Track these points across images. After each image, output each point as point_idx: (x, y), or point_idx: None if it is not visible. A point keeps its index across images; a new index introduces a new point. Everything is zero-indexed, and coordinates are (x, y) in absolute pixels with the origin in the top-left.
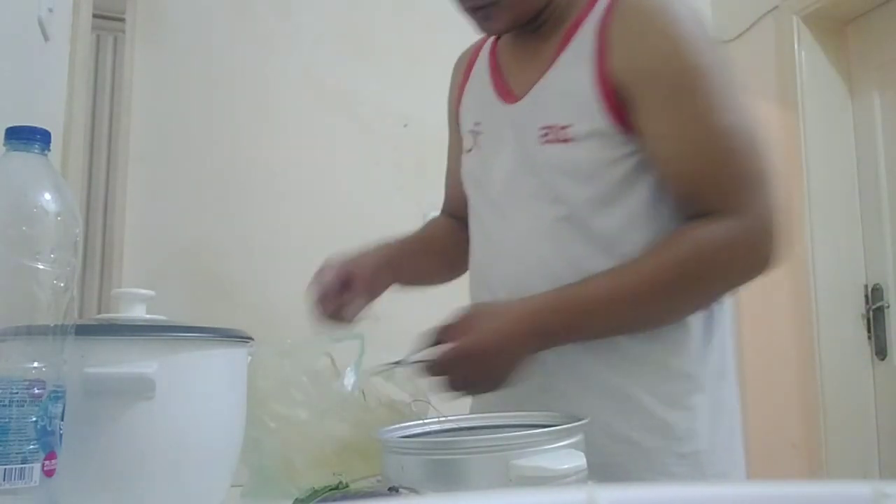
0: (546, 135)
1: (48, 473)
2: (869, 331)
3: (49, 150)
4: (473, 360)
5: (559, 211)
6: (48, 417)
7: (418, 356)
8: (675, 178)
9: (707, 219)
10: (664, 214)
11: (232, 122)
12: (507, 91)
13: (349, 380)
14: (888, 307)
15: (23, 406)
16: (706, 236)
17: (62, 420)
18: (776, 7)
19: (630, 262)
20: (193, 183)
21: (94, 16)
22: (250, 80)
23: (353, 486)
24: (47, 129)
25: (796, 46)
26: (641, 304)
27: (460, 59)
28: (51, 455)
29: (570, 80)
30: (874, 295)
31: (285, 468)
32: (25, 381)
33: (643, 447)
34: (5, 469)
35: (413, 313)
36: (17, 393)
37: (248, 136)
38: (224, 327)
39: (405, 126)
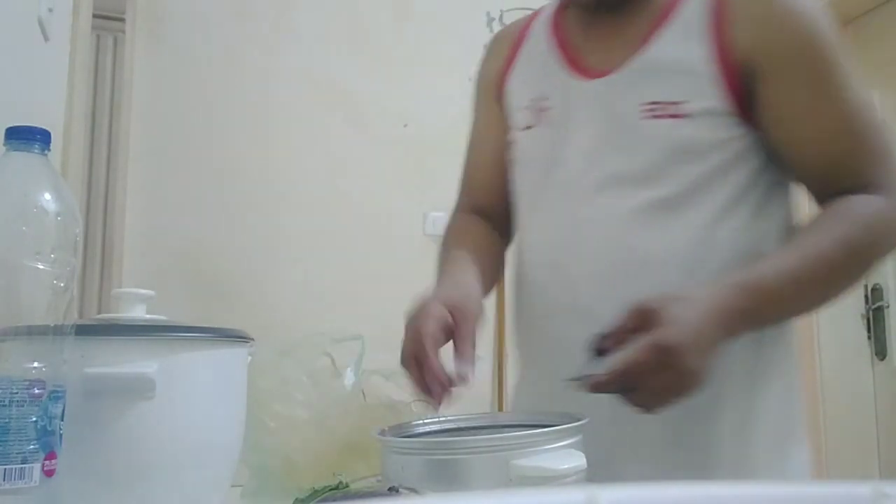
0: (652, 110)
1: (48, 473)
2: (869, 331)
3: (49, 150)
4: (674, 357)
5: (656, 192)
6: (48, 417)
7: (598, 367)
8: (817, 158)
9: (859, 195)
10: (756, 202)
11: (232, 122)
12: (584, 67)
13: (349, 380)
14: (888, 307)
15: (23, 406)
16: (869, 210)
17: (62, 420)
18: None
19: (802, 241)
20: (193, 183)
21: (94, 16)
22: (250, 81)
23: (353, 486)
24: (47, 129)
25: None
26: (824, 279)
27: (501, 36)
28: (51, 455)
29: (679, 55)
30: (874, 295)
31: (285, 468)
32: (25, 381)
33: (728, 444)
34: (5, 469)
35: None
36: (17, 393)
37: (248, 137)
38: (224, 327)
39: (405, 126)
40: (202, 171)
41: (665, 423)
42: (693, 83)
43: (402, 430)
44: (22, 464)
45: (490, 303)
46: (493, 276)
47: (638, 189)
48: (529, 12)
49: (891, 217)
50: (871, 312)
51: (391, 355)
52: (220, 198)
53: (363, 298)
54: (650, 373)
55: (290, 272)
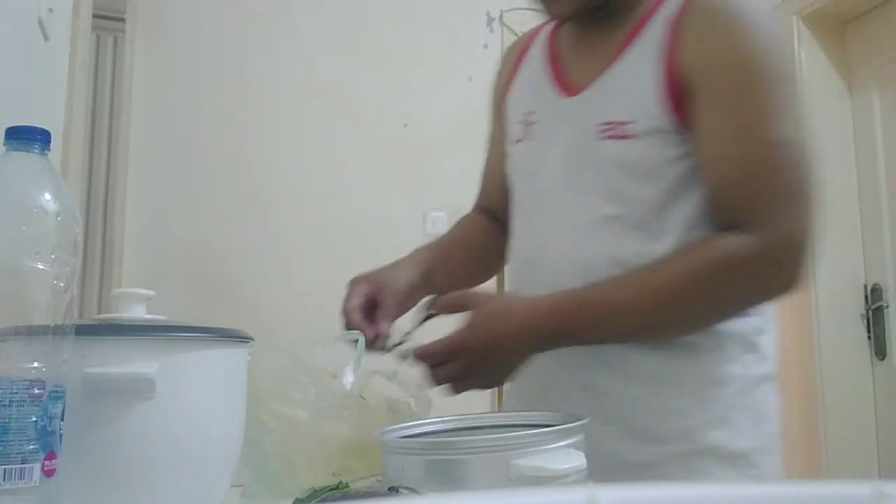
0: (606, 130)
1: (48, 473)
2: (868, 331)
3: (49, 150)
4: (471, 356)
5: (613, 209)
6: (48, 417)
7: (411, 337)
8: (714, 183)
9: (732, 232)
10: (708, 223)
11: (232, 122)
12: (566, 83)
13: (349, 380)
14: (888, 307)
15: (23, 406)
16: (723, 251)
17: (62, 420)
18: (776, 7)
19: (642, 270)
20: (193, 183)
21: (94, 16)
22: (250, 81)
23: (353, 486)
24: (47, 129)
25: (796, 46)
26: (648, 313)
27: (511, 48)
28: (51, 455)
29: (635, 76)
30: (874, 295)
31: (285, 468)
32: (25, 381)
33: (682, 447)
34: (5, 469)
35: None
36: (17, 393)
37: (248, 137)
38: (224, 327)
39: (405, 126)
40: (202, 171)
41: (570, 372)
42: (642, 103)
43: (403, 431)
44: (22, 464)
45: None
46: (476, 259)
47: (597, 205)
48: (530, 12)
49: (752, 262)
50: (871, 312)
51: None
52: (219, 198)
53: None
54: (440, 361)
55: (289, 272)
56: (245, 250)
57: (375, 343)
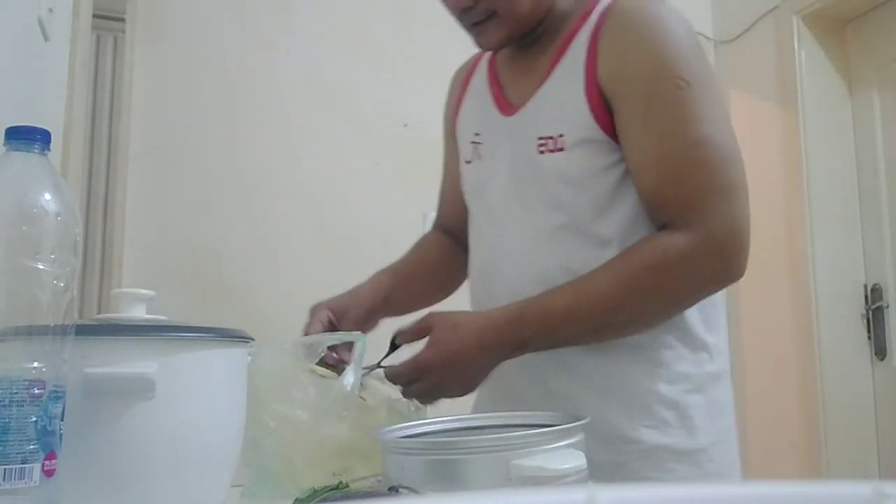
0: (543, 145)
1: (48, 473)
2: (869, 331)
3: (49, 150)
4: (436, 373)
5: (558, 219)
6: (48, 417)
7: (385, 363)
8: (644, 188)
9: (669, 230)
10: (648, 224)
11: (232, 122)
12: (506, 103)
13: (349, 380)
14: (888, 307)
15: (23, 406)
16: (664, 248)
17: (62, 420)
18: (776, 7)
19: (591, 274)
20: (194, 183)
21: (94, 16)
22: (250, 80)
23: (353, 486)
24: (47, 129)
25: (796, 46)
26: (600, 315)
27: (457, 74)
28: (51, 455)
29: (563, 91)
30: (874, 295)
31: (285, 468)
32: (25, 381)
33: (644, 446)
34: (5, 469)
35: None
36: (17, 393)
37: (248, 137)
38: (224, 327)
39: (405, 126)
40: (202, 171)
41: (533, 377)
42: (570, 116)
43: (403, 431)
44: (22, 464)
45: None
46: (431, 278)
47: (543, 216)
48: None
49: (691, 256)
50: (871, 312)
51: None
52: (220, 198)
53: None
54: (409, 381)
55: (289, 272)
56: (245, 250)
57: (338, 368)
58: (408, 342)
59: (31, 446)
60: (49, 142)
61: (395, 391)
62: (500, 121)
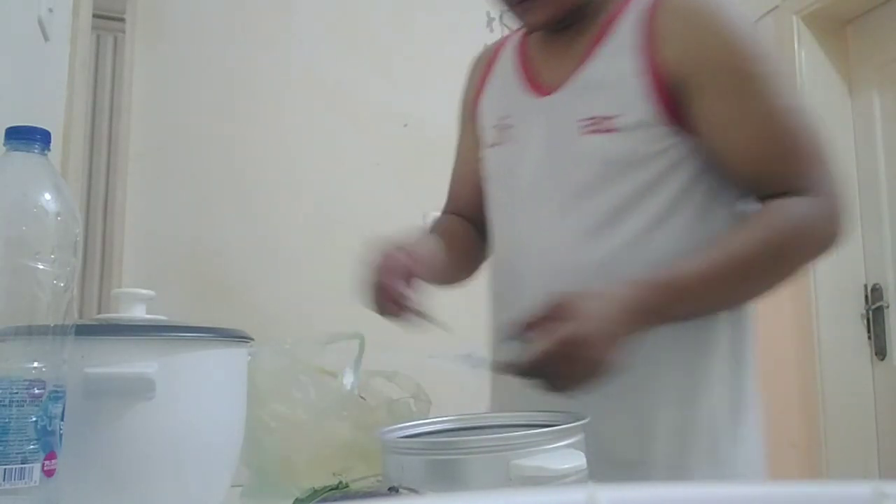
0: (588, 126)
1: (48, 473)
2: (869, 331)
3: (49, 150)
4: (582, 348)
5: (595, 205)
6: (48, 417)
7: (508, 354)
8: (745, 164)
9: (786, 197)
10: (696, 206)
11: (232, 122)
12: (539, 84)
13: (349, 380)
14: (888, 307)
15: (23, 406)
16: (794, 212)
17: (62, 420)
18: (776, 7)
19: (724, 239)
20: (194, 183)
21: (94, 16)
22: (250, 80)
23: (353, 486)
24: (47, 129)
25: (796, 46)
26: (739, 279)
27: (479, 58)
28: (51, 455)
29: (612, 71)
30: (874, 295)
31: (285, 468)
32: (25, 381)
33: (667, 444)
34: (5, 469)
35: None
36: (17, 393)
37: (248, 136)
38: (224, 327)
39: (405, 126)
40: (202, 171)
41: (605, 395)
42: (624, 97)
43: (403, 431)
44: (22, 464)
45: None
46: (462, 254)
47: (579, 202)
48: None
49: (815, 219)
50: (871, 312)
51: (391, 355)
52: (220, 198)
53: None
54: (559, 362)
55: (289, 272)
56: (245, 250)
57: (398, 309)
58: (540, 332)
59: (31, 446)
60: (49, 142)
61: (395, 391)
62: (532, 102)
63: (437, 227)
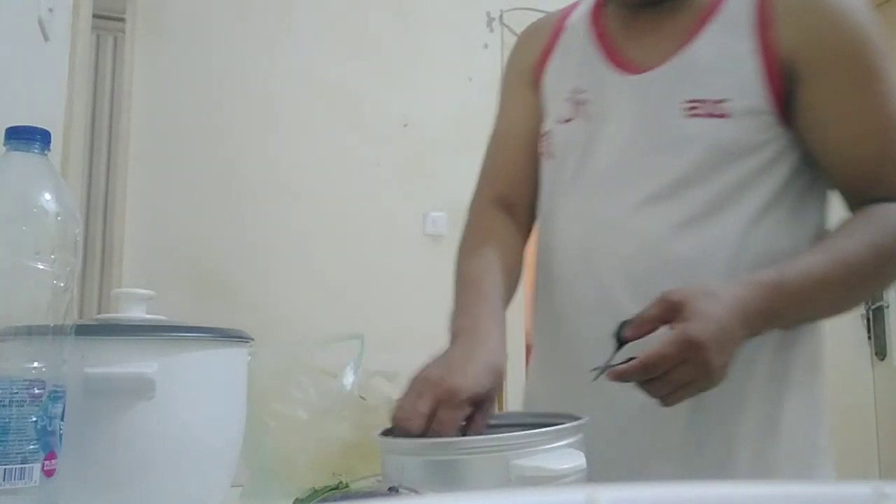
0: (694, 108)
1: (48, 473)
2: (869, 331)
3: (49, 150)
4: (704, 350)
5: (694, 195)
6: (48, 417)
7: (618, 356)
8: (852, 164)
9: (892, 202)
10: (791, 204)
11: (232, 122)
12: (624, 61)
13: (349, 380)
14: (888, 307)
15: (23, 406)
16: None
17: (62, 420)
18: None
19: (830, 243)
20: (193, 183)
21: (94, 16)
22: (250, 81)
23: (353, 486)
24: (47, 129)
25: None
26: (848, 284)
27: (536, 27)
28: (51, 455)
29: (723, 52)
30: (874, 295)
31: (285, 468)
32: (25, 381)
33: (750, 449)
34: (5, 469)
35: (413, 311)
36: (17, 393)
37: (248, 136)
38: (224, 327)
39: (405, 126)
40: (202, 170)
41: (688, 426)
42: (736, 81)
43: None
44: (22, 464)
45: None
46: (513, 287)
47: (676, 190)
48: (530, 12)
49: None
50: (871, 312)
51: (391, 355)
52: (220, 198)
53: (363, 298)
54: (673, 366)
55: (289, 272)
56: (245, 250)
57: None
58: (645, 334)
59: (31, 446)
60: (49, 142)
61: (395, 391)
62: (618, 79)
63: (483, 259)
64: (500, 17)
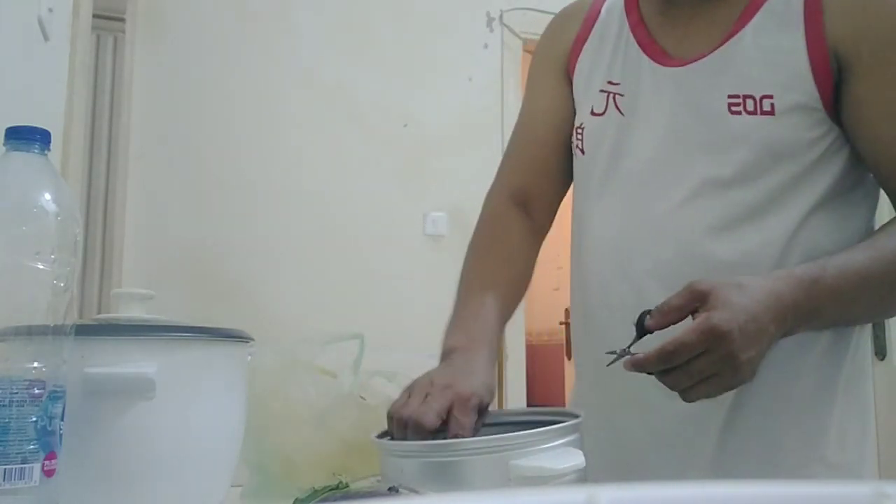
0: (739, 104)
1: (48, 473)
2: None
3: (49, 150)
4: (729, 341)
5: (739, 196)
6: (48, 417)
7: (641, 345)
8: None
9: None
10: (839, 207)
11: (232, 122)
12: (662, 53)
13: (349, 380)
14: None
15: (23, 406)
16: None
17: (62, 420)
18: None
19: (873, 242)
20: (193, 183)
21: (94, 16)
22: (250, 81)
23: (353, 486)
24: (47, 129)
25: None
26: (890, 285)
27: (569, 13)
28: (51, 455)
29: (772, 46)
30: None
31: (285, 468)
32: (25, 381)
33: (793, 460)
34: (5, 469)
35: (413, 311)
36: (17, 393)
37: (248, 137)
38: (224, 327)
39: (405, 126)
40: (202, 171)
41: (725, 435)
42: (785, 76)
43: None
44: (22, 464)
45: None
46: (517, 297)
47: (719, 190)
48: (530, 12)
49: None
50: None
51: (391, 355)
52: (220, 198)
53: (363, 298)
54: (695, 355)
55: (290, 272)
56: (245, 250)
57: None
58: (670, 323)
59: (31, 446)
60: (49, 142)
61: (395, 391)
62: (656, 71)
63: (488, 272)
64: (500, 17)
